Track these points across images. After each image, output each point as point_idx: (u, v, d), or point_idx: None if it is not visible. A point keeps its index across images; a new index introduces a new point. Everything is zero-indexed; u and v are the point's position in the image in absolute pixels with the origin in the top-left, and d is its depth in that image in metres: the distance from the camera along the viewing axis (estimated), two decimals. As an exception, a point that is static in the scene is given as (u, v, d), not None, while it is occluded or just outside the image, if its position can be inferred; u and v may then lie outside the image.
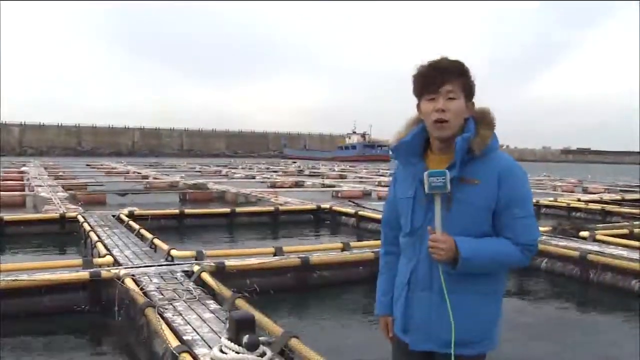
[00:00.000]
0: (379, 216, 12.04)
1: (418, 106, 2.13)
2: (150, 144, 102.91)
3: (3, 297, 5.81)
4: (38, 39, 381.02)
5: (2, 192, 18.09)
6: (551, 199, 17.81)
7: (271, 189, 21.44)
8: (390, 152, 2.26)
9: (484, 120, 2.10)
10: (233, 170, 35.25)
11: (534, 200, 16.85)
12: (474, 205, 2.03)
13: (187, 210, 13.44)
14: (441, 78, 2.02)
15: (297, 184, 24.84)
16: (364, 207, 13.97)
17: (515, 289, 8.19)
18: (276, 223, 13.58)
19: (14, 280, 5.96)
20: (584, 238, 9.30)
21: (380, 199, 18.74)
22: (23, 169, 31.24)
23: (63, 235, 11.30)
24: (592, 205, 15.77)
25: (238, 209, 14.00)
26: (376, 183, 25.02)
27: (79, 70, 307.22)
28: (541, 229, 10.20)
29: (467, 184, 2.03)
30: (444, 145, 2.08)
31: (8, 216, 11.60)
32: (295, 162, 58.59)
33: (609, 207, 15.28)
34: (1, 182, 21.59)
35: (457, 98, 2.03)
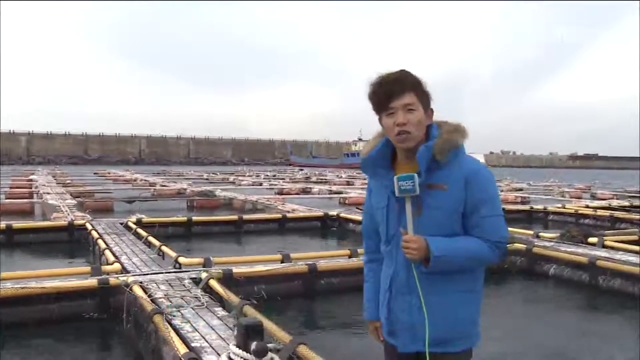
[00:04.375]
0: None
1: (380, 121, 2.17)
2: (157, 152, 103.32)
3: (12, 305, 5.84)
4: (44, 48, 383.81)
5: (11, 200, 18.26)
6: (559, 205, 17.75)
7: (278, 196, 21.46)
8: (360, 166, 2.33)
9: (445, 125, 2.15)
10: (240, 178, 35.32)
11: (541, 207, 16.96)
12: (442, 209, 2.09)
13: (195, 218, 13.47)
14: (396, 92, 2.06)
15: (305, 191, 24.86)
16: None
17: (524, 295, 8.17)
18: (283, 230, 13.60)
19: (23, 288, 5.99)
20: (592, 244, 9.25)
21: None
22: (31, 177, 31.43)
23: (71, 242, 11.34)
24: (600, 212, 15.68)
25: (245, 216, 14.04)
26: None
27: (84, 79, 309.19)
28: (549, 235, 10.17)
29: (435, 189, 2.09)
30: (410, 155, 2.13)
31: (17, 224, 11.68)
32: (302, 170, 58.62)
33: (617, 214, 15.19)
34: (10, 190, 21.79)
35: (416, 109, 2.08)
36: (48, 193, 19.51)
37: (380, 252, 2.33)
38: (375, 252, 2.39)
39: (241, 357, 3.70)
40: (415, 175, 2.05)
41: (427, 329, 2.09)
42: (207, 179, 34.77)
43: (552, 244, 9.38)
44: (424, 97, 2.11)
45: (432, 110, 2.15)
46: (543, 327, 6.48)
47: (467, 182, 2.08)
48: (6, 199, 18.72)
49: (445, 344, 2.12)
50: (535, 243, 9.27)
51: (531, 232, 10.44)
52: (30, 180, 28.49)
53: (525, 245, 8.93)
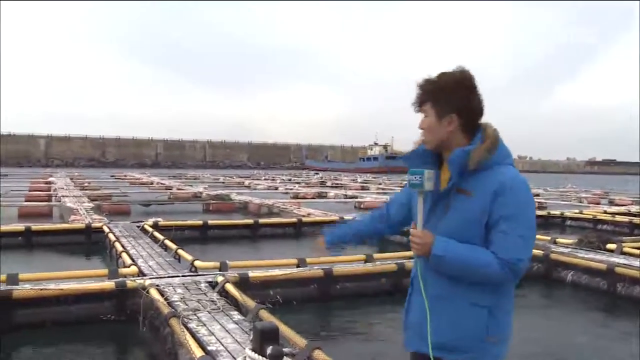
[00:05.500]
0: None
1: None
2: (173, 155, 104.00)
3: (31, 306, 5.91)
4: (62, 51, 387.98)
5: (29, 202, 18.49)
6: (576, 211, 17.58)
7: (294, 200, 21.48)
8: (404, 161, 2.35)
9: (487, 139, 2.09)
10: (256, 181, 35.42)
11: (559, 212, 16.79)
12: (465, 215, 2.06)
13: (211, 221, 13.50)
14: (419, 99, 2.18)
15: (320, 195, 24.86)
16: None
17: (541, 301, 8.09)
18: (299, 234, 13.62)
19: (41, 290, 6.06)
20: (611, 250, 9.14)
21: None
22: (50, 179, 31.78)
23: (89, 245, 11.45)
24: (619, 218, 15.52)
25: (261, 220, 14.07)
26: (399, 194, 24.92)
27: (103, 82, 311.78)
28: (566, 240, 10.07)
29: (462, 194, 2.08)
30: (447, 156, 2.16)
31: (35, 226, 11.81)
32: (317, 174, 58.66)
33: (637, 220, 15.02)
34: (29, 193, 22.06)
35: (428, 115, 2.14)
36: (66, 196, 19.71)
37: (382, 219, 2.50)
38: (379, 216, 2.51)
39: (257, 361, 3.71)
40: (425, 171, 2.06)
41: (429, 330, 2.08)
42: (223, 183, 34.89)
43: (569, 250, 9.30)
44: (440, 105, 2.10)
45: (451, 118, 2.09)
46: (560, 334, 6.42)
47: (495, 194, 2.00)
48: (25, 201, 18.96)
49: (448, 351, 2.09)
50: (553, 249, 9.19)
51: (548, 237, 10.35)
52: (49, 183, 28.81)
53: (542, 251, 8.86)
